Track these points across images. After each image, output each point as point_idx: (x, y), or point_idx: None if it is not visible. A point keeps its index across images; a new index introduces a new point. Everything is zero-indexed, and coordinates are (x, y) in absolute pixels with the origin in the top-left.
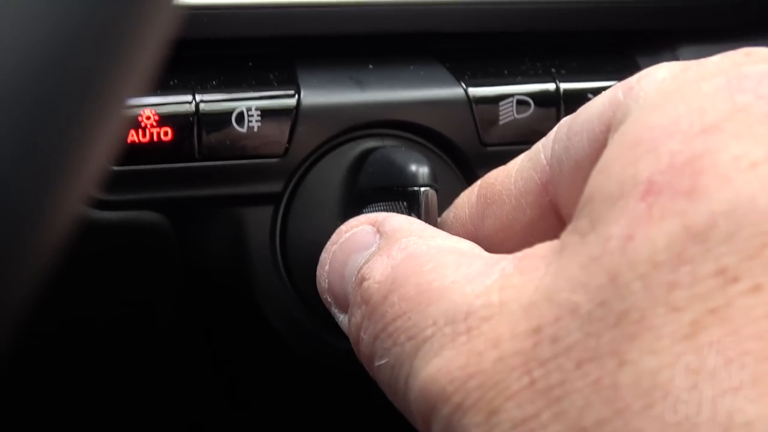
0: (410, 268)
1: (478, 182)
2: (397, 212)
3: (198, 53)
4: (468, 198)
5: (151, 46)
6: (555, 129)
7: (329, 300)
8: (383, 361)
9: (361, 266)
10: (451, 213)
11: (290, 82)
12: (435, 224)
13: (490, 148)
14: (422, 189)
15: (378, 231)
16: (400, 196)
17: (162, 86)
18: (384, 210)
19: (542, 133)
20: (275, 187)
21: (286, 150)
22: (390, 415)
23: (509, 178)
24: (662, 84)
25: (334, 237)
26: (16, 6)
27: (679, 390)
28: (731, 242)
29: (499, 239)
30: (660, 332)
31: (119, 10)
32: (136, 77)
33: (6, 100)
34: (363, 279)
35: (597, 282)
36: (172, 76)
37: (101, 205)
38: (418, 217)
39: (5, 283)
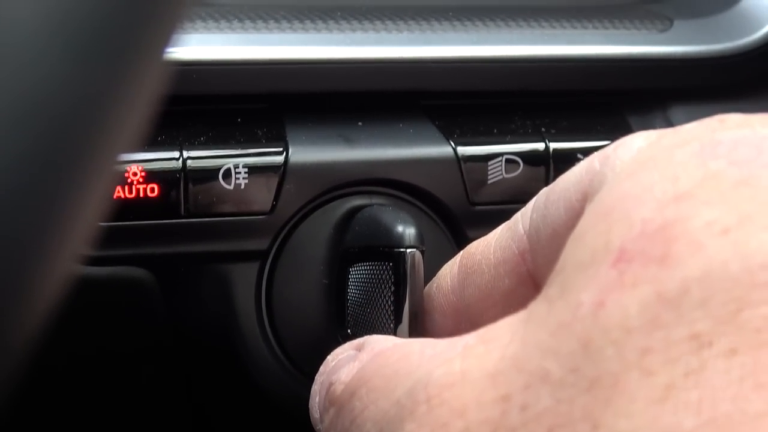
0: (377, 364)
1: (460, 253)
2: (383, 273)
3: (186, 108)
4: (450, 268)
5: (142, 103)
6: (534, 199)
7: (320, 430)
8: None
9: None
10: (434, 284)
11: (278, 138)
12: (421, 286)
13: (478, 207)
14: (408, 250)
15: (357, 349)
16: (386, 257)
17: (149, 142)
18: (369, 270)
19: (531, 193)
20: (261, 244)
21: (273, 207)
22: None
23: (489, 248)
24: (637, 152)
25: (322, 368)
26: (7, 63)
27: None
28: (705, 307)
29: (479, 308)
30: (634, 396)
31: (111, 66)
32: (127, 134)
33: None
34: (330, 384)
35: (568, 348)
36: (159, 132)
37: (87, 260)
38: (404, 278)
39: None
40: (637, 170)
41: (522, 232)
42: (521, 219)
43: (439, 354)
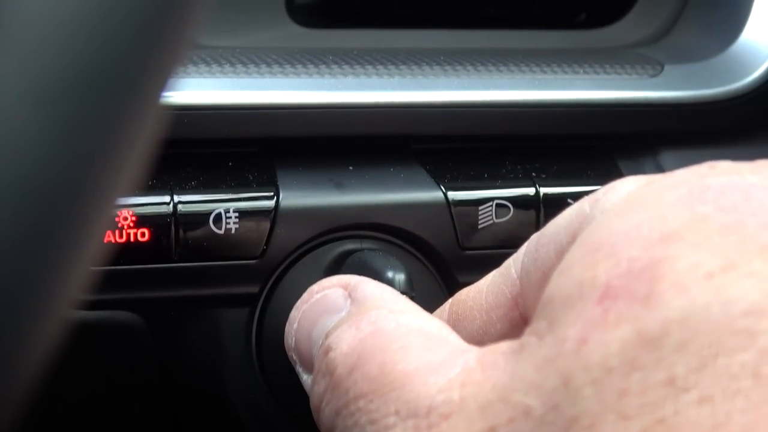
0: (377, 345)
1: (450, 300)
2: None
3: (177, 152)
4: (439, 316)
5: (139, 148)
6: (525, 244)
7: (294, 358)
8: None
9: (329, 333)
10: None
11: (269, 183)
12: None
13: (468, 252)
14: None
15: (349, 296)
16: None
17: (140, 186)
18: None
19: (522, 238)
20: (252, 288)
21: (264, 251)
22: None
23: (480, 294)
24: (627, 195)
25: (305, 296)
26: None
27: None
28: (683, 351)
29: None
30: None
31: (108, 112)
32: (124, 180)
33: None
34: (329, 349)
35: (550, 385)
36: (150, 176)
37: (77, 304)
38: None
39: None
40: (626, 210)
41: (515, 276)
42: (513, 264)
43: (439, 369)
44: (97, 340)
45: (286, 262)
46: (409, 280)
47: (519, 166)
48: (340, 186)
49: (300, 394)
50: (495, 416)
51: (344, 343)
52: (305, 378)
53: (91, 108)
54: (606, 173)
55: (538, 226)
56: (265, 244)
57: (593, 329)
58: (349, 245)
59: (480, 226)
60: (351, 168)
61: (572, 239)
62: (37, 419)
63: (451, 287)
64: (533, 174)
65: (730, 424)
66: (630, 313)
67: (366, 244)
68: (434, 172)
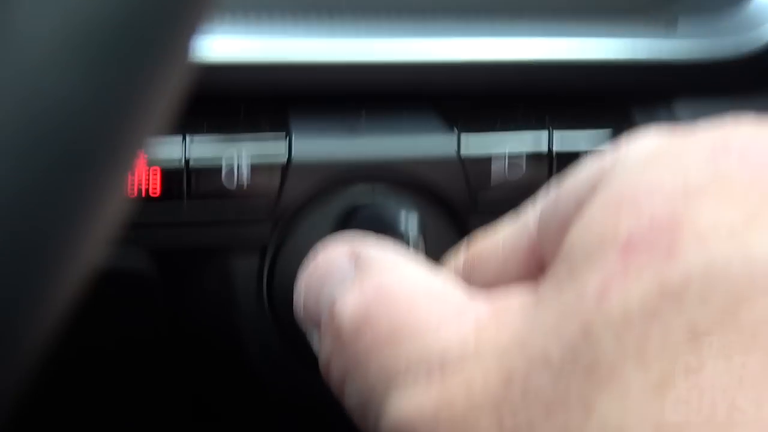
0: (383, 305)
1: (464, 247)
2: None
3: (189, 99)
4: (454, 263)
5: (165, 104)
6: (544, 193)
7: (305, 326)
8: (353, 395)
9: (335, 300)
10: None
11: (282, 130)
12: None
13: (481, 201)
14: (410, 248)
15: (354, 260)
16: None
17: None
18: None
19: (535, 188)
20: (264, 235)
21: (276, 199)
22: None
23: (497, 242)
24: (650, 148)
25: (310, 264)
26: (31, 67)
27: None
28: (705, 303)
29: None
30: (628, 385)
31: (137, 64)
32: (148, 133)
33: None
34: (334, 314)
35: (569, 333)
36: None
37: None
38: None
39: (20, 340)
40: (649, 164)
41: (532, 225)
42: (531, 213)
43: (451, 320)
44: (108, 288)
45: (298, 209)
46: (422, 231)
47: (533, 119)
48: (353, 135)
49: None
50: (513, 363)
51: (349, 307)
52: (316, 341)
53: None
54: (620, 131)
55: (551, 175)
56: (276, 195)
57: (614, 280)
58: (361, 194)
59: (493, 180)
60: (364, 114)
61: (593, 190)
62: (49, 366)
63: (463, 236)
64: (547, 123)
65: (747, 377)
66: (651, 265)
67: (378, 191)
68: (448, 123)
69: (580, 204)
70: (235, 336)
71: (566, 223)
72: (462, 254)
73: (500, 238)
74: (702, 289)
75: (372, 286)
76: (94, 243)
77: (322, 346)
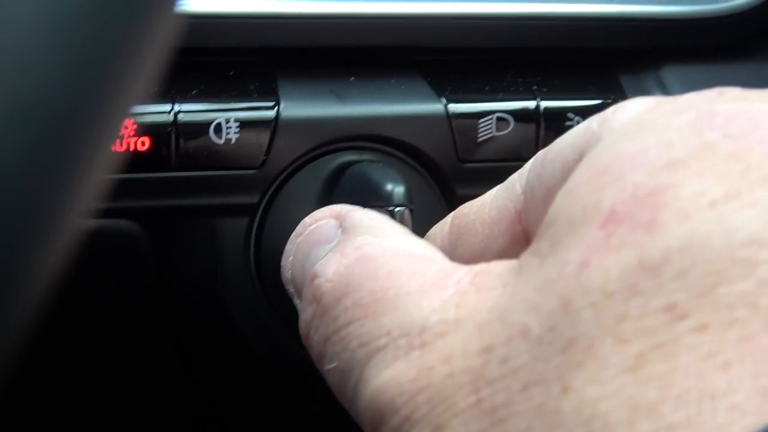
0: (364, 272)
1: (452, 214)
2: None
3: (178, 61)
4: (441, 228)
5: (152, 57)
6: (531, 160)
7: (292, 291)
8: (333, 365)
9: (318, 261)
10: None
11: (270, 93)
12: None
13: (468, 165)
14: (397, 209)
15: (340, 225)
16: None
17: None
18: None
19: (521, 151)
20: (251, 198)
21: (264, 162)
22: (355, 424)
23: (483, 207)
24: (635, 116)
25: (299, 228)
26: (17, 19)
27: (618, 422)
28: (683, 279)
29: None
30: (605, 362)
31: (123, 20)
32: (137, 88)
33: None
34: (315, 276)
35: (549, 306)
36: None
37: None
38: None
39: (9, 299)
40: (634, 132)
41: (519, 191)
42: (518, 179)
43: (431, 290)
44: (97, 248)
45: (286, 172)
46: (409, 193)
47: (520, 80)
48: (341, 97)
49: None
50: (492, 335)
51: (329, 270)
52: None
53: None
54: (607, 87)
55: (538, 139)
56: (264, 154)
57: (595, 253)
58: (349, 156)
59: (480, 139)
60: (352, 79)
61: (579, 157)
62: (38, 328)
63: (450, 199)
64: (534, 87)
65: (726, 352)
66: (632, 239)
67: (366, 156)
68: (435, 84)
69: (565, 171)
70: (221, 296)
71: (551, 191)
72: (450, 219)
73: (487, 202)
74: (681, 265)
75: (353, 249)
76: (82, 200)
77: (302, 313)
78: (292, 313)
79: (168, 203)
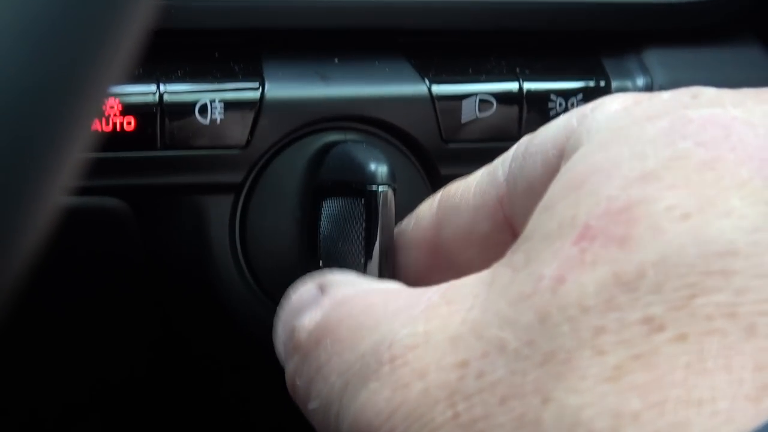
0: (341, 313)
1: (440, 192)
2: (355, 209)
3: (163, 42)
4: (429, 206)
5: (131, 36)
6: (514, 147)
7: (283, 357)
8: (316, 403)
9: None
10: (413, 220)
11: (255, 74)
12: (392, 223)
13: (451, 145)
14: (380, 188)
15: (321, 289)
16: (358, 194)
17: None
18: (342, 205)
19: (504, 132)
20: (236, 177)
21: (248, 141)
22: None
23: (468, 190)
24: (613, 117)
25: (284, 300)
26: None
27: (601, 429)
28: (659, 292)
29: (456, 248)
30: (585, 373)
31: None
32: (116, 67)
33: None
34: (293, 330)
35: (526, 320)
36: (136, 66)
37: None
38: (375, 215)
39: None
40: (608, 142)
41: (501, 178)
42: (501, 165)
43: (403, 310)
44: (83, 226)
45: (271, 152)
46: (392, 172)
47: (503, 62)
48: (325, 78)
49: (282, 281)
50: (467, 349)
51: (308, 320)
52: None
53: None
54: (589, 70)
55: (520, 121)
56: (249, 134)
57: (570, 269)
58: (333, 137)
59: (463, 120)
60: (336, 61)
61: (558, 152)
62: (22, 305)
63: (434, 180)
64: (517, 69)
65: (706, 361)
66: (607, 255)
67: (350, 136)
68: (419, 66)
69: (546, 166)
70: (206, 273)
71: (532, 184)
72: (437, 200)
73: (472, 185)
74: (656, 279)
75: (329, 299)
76: (61, 177)
77: (286, 366)
78: (275, 288)
79: (154, 182)
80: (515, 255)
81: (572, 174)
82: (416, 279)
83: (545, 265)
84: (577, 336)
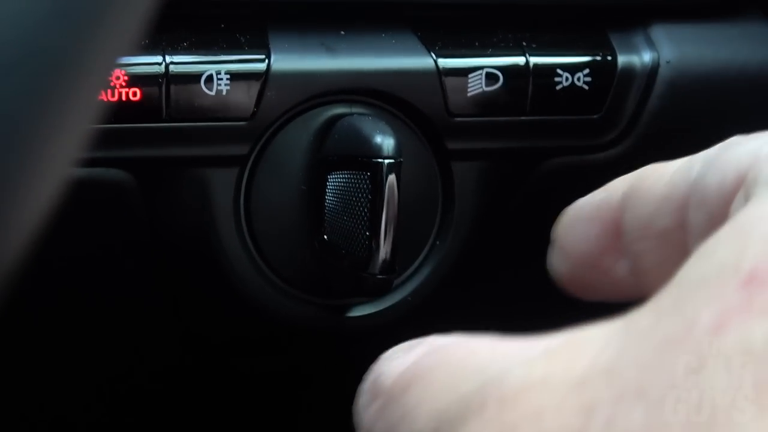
0: (439, 357)
1: (637, 171)
2: (361, 182)
3: (169, 13)
4: (622, 183)
5: (139, 9)
6: (719, 145)
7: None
8: None
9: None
10: (602, 193)
11: (261, 46)
12: (396, 196)
13: (457, 119)
14: (386, 161)
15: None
16: (364, 167)
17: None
18: (347, 179)
19: (510, 106)
20: (241, 149)
21: (254, 113)
22: (346, 373)
23: (662, 178)
24: None
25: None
26: None
27: None
28: None
29: (635, 235)
30: None
31: None
32: (125, 38)
33: None
34: (378, 373)
35: (674, 367)
36: (142, 37)
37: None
38: (381, 188)
39: None
40: None
41: (693, 177)
42: (698, 162)
43: (517, 353)
44: (88, 197)
45: (276, 124)
46: (398, 146)
47: (510, 36)
48: (331, 50)
49: (286, 254)
50: (595, 393)
51: (396, 365)
52: None
53: None
54: (596, 45)
55: (527, 95)
56: (255, 106)
57: (734, 315)
58: (338, 109)
59: (469, 94)
60: (343, 33)
61: (736, 178)
62: (30, 277)
63: (439, 154)
64: (524, 43)
65: None
66: None
67: (356, 109)
68: (425, 39)
69: (721, 187)
70: (210, 245)
71: (704, 200)
72: (633, 176)
73: (667, 173)
74: None
75: (424, 347)
76: (68, 148)
77: (364, 413)
78: (280, 261)
79: (159, 153)
80: (661, 300)
81: (741, 220)
82: (584, 257)
83: (701, 309)
84: (735, 389)
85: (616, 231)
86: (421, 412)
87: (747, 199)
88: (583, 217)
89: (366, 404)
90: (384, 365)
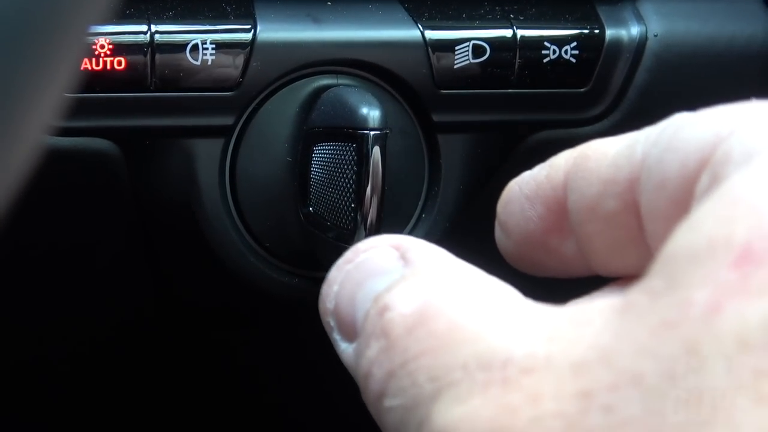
0: (444, 302)
1: (579, 149)
2: (346, 153)
3: None
4: (565, 161)
5: None
6: (663, 124)
7: (331, 324)
8: (395, 402)
9: (382, 294)
10: (545, 171)
11: (247, 16)
12: (381, 168)
13: (444, 91)
14: (372, 133)
15: (402, 257)
16: (350, 138)
17: (117, 15)
18: (333, 150)
19: (497, 79)
20: (227, 120)
21: (239, 84)
22: (330, 345)
23: (605, 158)
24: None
25: (349, 254)
26: None
27: None
28: None
29: (581, 217)
30: (740, 422)
31: None
32: (98, 4)
33: None
34: (385, 309)
35: (669, 352)
36: (128, 5)
37: (53, 131)
38: (367, 160)
39: None
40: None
41: (639, 157)
42: (643, 142)
43: (520, 322)
44: (72, 167)
45: (262, 95)
46: (384, 117)
47: (497, 8)
48: (317, 21)
49: (271, 225)
50: (593, 378)
51: (404, 302)
52: (343, 347)
53: None
54: (584, 18)
55: (514, 67)
56: (240, 77)
57: (729, 296)
58: (325, 81)
59: (456, 66)
60: (329, 3)
61: (699, 160)
62: (11, 245)
63: (426, 126)
64: (511, 16)
65: None
66: None
67: (342, 80)
68: (413, 10)
69: (682, 169)
70: (195, 216)
71: (664, 183)
72: (575, 153)
73: (609, 154)
74: None
75: (430, 283)
76: (43, 115)
77: (366, 351)
78: (264, 233)
79: (144, 123)
80: (653, 279)
81: (726, 194)
82: (528, 237)
83: (695, 290)
84: (733, 378)
85: (560, 212)
86: (422, 365)
87: (716, 179)
88: (525, 195)
89: (368, 335)
90: (391, 296)
